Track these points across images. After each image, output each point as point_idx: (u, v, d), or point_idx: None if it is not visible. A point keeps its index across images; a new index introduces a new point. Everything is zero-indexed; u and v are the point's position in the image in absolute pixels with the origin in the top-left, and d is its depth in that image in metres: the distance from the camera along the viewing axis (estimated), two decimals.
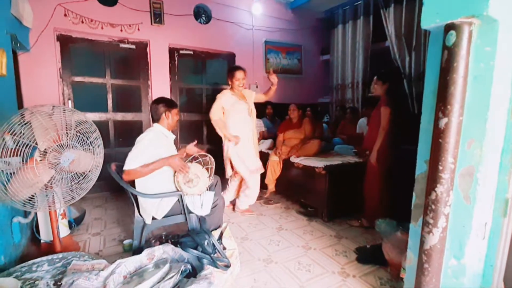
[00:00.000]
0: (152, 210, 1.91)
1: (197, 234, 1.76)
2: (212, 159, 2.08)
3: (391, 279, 1.78)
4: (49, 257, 1.69)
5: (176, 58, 3.95)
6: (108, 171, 1.89)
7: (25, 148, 1.50)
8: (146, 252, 1.67)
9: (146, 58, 3.72)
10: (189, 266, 1.56)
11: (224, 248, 1.79)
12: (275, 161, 3.19)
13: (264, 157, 3.46)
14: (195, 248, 1.67)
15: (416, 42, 3.59)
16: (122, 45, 3.56)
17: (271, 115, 4.33)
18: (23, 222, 1.94)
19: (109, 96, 3.56)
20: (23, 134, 1.51)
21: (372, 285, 1.74)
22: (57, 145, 1.60)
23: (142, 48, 3.69)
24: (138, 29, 3.57)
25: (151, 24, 3.64)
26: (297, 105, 3.36)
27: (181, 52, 3.98)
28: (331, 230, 2.52)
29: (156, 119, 2.02)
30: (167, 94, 3.85)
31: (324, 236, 2.40)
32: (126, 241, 2.17)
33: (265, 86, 4.72)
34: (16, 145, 1.49)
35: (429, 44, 1.16)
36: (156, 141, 1.91)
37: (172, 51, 3.89)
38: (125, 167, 1.80)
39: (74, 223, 2.44)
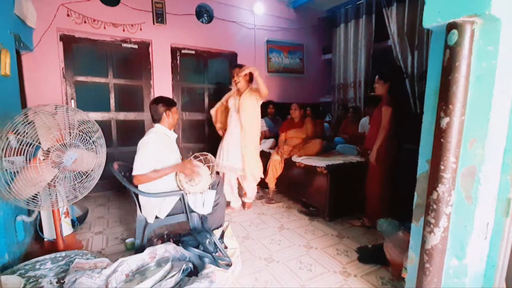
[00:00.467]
0: (155, 209, 1.92)
1: (199, 233, 1.77)
2: (213, 158, 2.09)
3: (393, 279, 1.78)
4: (52, 255, 1.70)
5: (178, 58, 3.96)
6: (110, 170, 1.90)
7: (29, 147, 1.51)
8: (148, 250, 1.68)
9: (148, 58, 3.73)
10: (190, 265, 1.56)
11: (226, 247, 1.80)
12: (276, 160, 3.19)
13: (265, 157, 3.47)
14: (197, 247, 1.67)
15: (418, 41, 3.57)
16: (124, 45, 3.57)
17: (273, 114, 4.33)
18: (27, 220, 1.96)
19: (112, 95, 3.58)
20: (27, 133, 1.52)
21: (374, 284, 1.74)
22: (60, 145, 1.61)
23: (144, 47, 3.70)
24: (140, 29, 3.58)
25: (153, 23, 3.65)
26: (299, 104, 3.36)
27: (183, 51, 3.99)
28: (333, 230, 2.51)
29: (156, 119, 2.02)
30: (169, 94, 3.86)
31: (326, 236, 2.40)
32: (128, 240, 2.18)
33: (267, 86, 4.71)
34: (20, 144, 1.50)
35: (431, 43, 1.15)
36: (160, 143, 1.92)
37: (174, 51, 3.90)
38: (135, 172, 1.82)
39: (77, 222, 2.46)
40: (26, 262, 1.63)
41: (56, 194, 1.71)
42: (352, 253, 2.10)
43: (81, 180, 1.72)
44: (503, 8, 0.92)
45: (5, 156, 1.48)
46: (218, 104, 2.99)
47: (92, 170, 1.74)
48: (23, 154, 1.51)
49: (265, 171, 3.31)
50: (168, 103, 2.02)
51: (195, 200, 1.96)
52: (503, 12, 0.93)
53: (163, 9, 3.69)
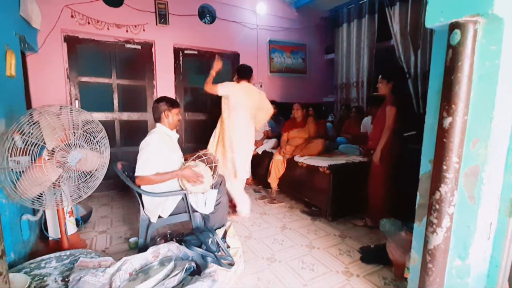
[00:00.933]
0: (158, 208, 1.93)
1: (201, 232, 1.78)
2: (216, 158, 2.09)
3: (395, 279, 1.78)
4: (57, 254, 1.72)
5: (180, 58, 3.98)
6: (114, 170, 1.92)
7: (34, 147, 1.53)
8: (151, 250, 1.69)
9: (151, 58, 3.76)
10: (193, 264, 1.57)
11: (228, 247, 1.81)
12: (279, 160, 3.19)
13: (268, 157, 3.47)
14: (200, 246, 1.68)
15: (421, 41, 3.55)
16: (127, 45, 3.59)
17: (275, 114, 4.33)
18: (32, 219, 1.99)
19: (115, 96, 3.60)
20: (32, 133, 1.54)
21: (376, 284, 1.74)
22: (64, 145, 1.63)
23: (147, 48, 3.72)
24: (144, 30, 3.60)
25: (156, 24, 3.67)
26: (301, 104, 3.36)
27: (185, 52, 4.01)
28: (335, 230, 2.51)
29: (156, 118, 2.03)
30: (171, 94, 3.88)
31: (328, 236, 2.40)
32: (132, 239, 2.20)
33: (269, 86, 4.74)
34: (25, 145, 1.52)
35: (433, 43, 1.15)
36: (162, 144, 1.93)
37: (177, 51, 3.92)
38: (137, 173, 1.84)
39: (81, 221, 2.48)
40: (32, 261, 1.65)
41: (61, 194, 1.73)
42: (354, 253, 2.10)
43: (85, 180, 1.74)
44: (506, 7, 0.92)
45: (11, 156, 1.50)
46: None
47: (96, 170, 1.76)
48: (29, 154, 1.53)
49: (267, 171, 3.32)
50: (169, 103, 2.02)
51: (197, 199, 1.97)
52: (506, 11, 0.93)
53: (166, 9, 3.71)
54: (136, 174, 1.85)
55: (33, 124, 1.57)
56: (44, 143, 1.58)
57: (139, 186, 1.90)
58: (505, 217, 1.09)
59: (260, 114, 2.81)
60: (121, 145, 3.70)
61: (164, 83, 3.83)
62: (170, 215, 1.97)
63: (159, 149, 1.90)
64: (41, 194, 1.64)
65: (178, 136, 2.13)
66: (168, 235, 2.22)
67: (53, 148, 1.61)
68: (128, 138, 3.73)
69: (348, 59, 4.75)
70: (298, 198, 3.28)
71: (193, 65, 4.16)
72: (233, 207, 2.80)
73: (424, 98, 3.47)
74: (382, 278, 1.80)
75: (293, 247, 2.20)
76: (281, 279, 1.79)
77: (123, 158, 3.49)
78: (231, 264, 1.66)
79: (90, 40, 3.38)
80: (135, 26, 3.55)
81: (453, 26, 0.97)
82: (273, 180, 3.24)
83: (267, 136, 3.96)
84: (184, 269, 1.48)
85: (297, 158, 3.06)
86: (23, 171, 1.55)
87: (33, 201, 1.61)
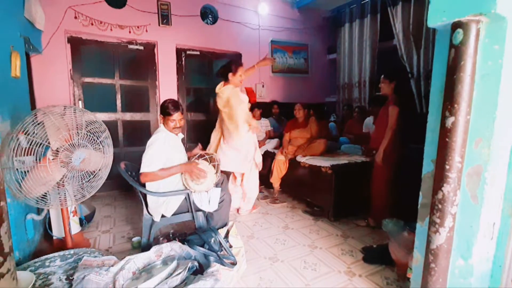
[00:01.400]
0: (161, 207, 1.95)
1: (204, 232, 1.79)
2: (218, 157, 2.11)
3: (398, 279, 1.78)
4: (61, 253, 1.74)
5: (183, 59, 4.00)
6: (117, 170, 1.94)
7: (38, 147, 1.55)
8: (154, 249, 1.70)
9: (154, 59, 3.78)
10: (196, 263, 1.58)
11: (231, 246, 1.81)
12: (281, 160, 3.20)
13: (270, 157, 3.48)
14: (202, 246, 1.69)
15: (424, 41, 3.53)
16: (130, 46, 3.62)
17: (278, 114, 4.34)
18: (36, 219, 2.00)
19: (118, 96, 3.63)
20: (36, 133, 1.56)
21: (379, 284, 1.73)
22: (68, 145, 1.64)
23: (150, 49, 3.74)
24: (146, 31, 3.62)
25: (159, 25, 3.69)
26: (303, 104, 3.36)
27: (188, 52, 4.02)
28: (337, 230, 2.51)
29: (160, 119, 2.08)
30: (174, 94, 3.90)
31: (330, 236, 2.40)
32: (135, 239, 2.21)
33: (271, 86, 4.74)
34: (30, 144, 1.54)
35: (436, 43, 1.15)
36: (167, 143, 1.96)
37: (179, 52, 3.93)
38: (143, 170, 1.86)
39: (85, 221, 2.50)
40: (36, 260, 1.66)
41: (65, 193, 1.75)
42: (357, 253, 2.10)
43: (89, 180, 1.76)
44: (509, 6, 0.92)
45: (16, 156, 1.52)
46: (246, 104, 2.68)
47: (99, 170, 1.77)
48: (33, 154, 1.55)
49: (269, 171, 3.33)
50: (162, 111, 1.99)
51: (200, 198, 1.98)
52: (509, 10, 0.92)
53: (169, 10, 3.73)
54: (141, 170, 1.86)
55: (38, 124, 1.59)
56: (49, 143, 1.60)
57: (143, 184, 1.91)
58: (509, 217, 1.09)
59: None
60: (124, 145, 3.72)
61: (167, 83, 3.85)
62: (173, 214, 1.98)
63: (164, 148, 1.92)
64: (46, 193, 1.66)
65: (183, 136, 2.15)
66: (171, 235, 2.23)
67: (57, 148, 1.63)
68: (131, 138, 3.76)
69: (350, 59, 4.74)
70: (300, 198, 3.28)
71: (195, 65, 4.18)
72: None
73: (427, 98, 3.45)
74: (384, 278, 1.79)
75: (295, 247, 2.20)
76: (284, 278, 1.79)
77: (126, 158, 3.51)
78: (234, 264, 1.66)
79: (93, 41, 3.41)
80: (138, 27, 3.57)
81: (456, 25, 0.97)
82: (275, 180, 3.24)
83: (269, 136, 3.96)
84: (187, 268, 1.49)
85: (299, 158, 3.06)
86: (28, 171, 1.57)
87: (37, 201, 1.63)
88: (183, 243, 1.76)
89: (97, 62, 3.56)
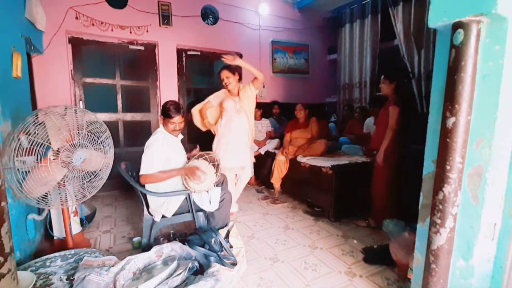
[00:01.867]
0: (162, 208, 1.95)
1: (204, 232, 1.79)
2: (218, 157, 2.11)
3: (398, 279, 1.77)
4: (62, 253, 1.74)
5: (183, 59, 4.00)
6: (117, 170, 1.94)
7: (39, 147, 1.55)
8: (154, 249, 1.70)
9: (155, 59, 3.78)
10: (196, 264, 1.58)
11: (231, 247, 1.81)
12: (282, 160, 3.19)
13: (270, 157, 3.48)
14: (203, 246, 1.69)
15: (425, 41, 3.53)
16: (131, 46, 3.62)
17: (278, 114, 4.34)
18: (37, 219, 2.01)
19: (119, 96, 3.63)
20: (37, 134, 1.56)
21: (379, 285, 1.73)
22: (69, 145, 1.65)
23: (150, 49, 3.75)
24: (147, 31, 3.63)
25: (160, 25, 3.70)
26: (304, 104, 3.36)
27: (188, 53, 4.03)
28: (338, 230, 2.51)
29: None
30: (175, 94, 3.91)
31: (331, 236, 2.40)
32: (135, 239, 2.21)
33: (272, 86, 4.74)
34: (31, 145, 1.55)
35: (436, 43, 1.15)
36: (166, 144, 1.95)
37: (180, 52, 3.94)
38: (142, 172, 1.86)
39: (86, 221, 2.50)
40: (37, 260, 1.67)
41: (66, 193, 1.75)
42: (357, 254, 2.09)
43: (90, 180, 1.76)
44: (510, 6, 0.92)
45: (17, 156, 1.52)
46: (202, 104, 2.80)
47: (100, 170, 1.78)
48: (34, 154, 1.55)
49: (270, 172, 3.33)
50: (163, 112, 1.99)
51: (201, 198, 1.99)
52: (510, 10, 0.92)
53: (169, 11, 3.74)
54: (141, 172, 1.86)
55: (39, 124, 1.60)
56: (50, 143, 1.60)
57: (143, 185, 1.92)
58: (510, 218, 1.08)
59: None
60: (124, 145, 3.73)
61: (167, 83, 3.86)
62: (173, 214, 1.98)
63: (163, 149, 1.92)
64: (47, 193, 1.66)
65: (182, 136, 2.15)
66: (171, 235, 2.23)
67: (58, 148, 1.63)
68: (131, 138, 3.76)
69: (351, 59, 4.74)
70: (300, 198, 3.28)
71: (196, 66, 4.19)
72: None
73: (428, 98, 3.45)
74: (385, 279, 1.79)
75: (295, 247, 2.20)
76: (284, 279, 1.79)
77: (126, 158, 3.51)
78: (234, 264, 1.66)
79: (94, 42, 3.41)
80: (139, 28, 3.58)
81: (456, 25, 0.97)
82: (276, 181, 3.24)
83: (270, 137, 3.97)
84: (187, 269, 1.49)
85: (299, 159, 3.06)
86: (29, 171, 1.57)
87: (38, 201, 1.63)
88: (184, 244, 1.76)
89: (98, 62, 3.57)
